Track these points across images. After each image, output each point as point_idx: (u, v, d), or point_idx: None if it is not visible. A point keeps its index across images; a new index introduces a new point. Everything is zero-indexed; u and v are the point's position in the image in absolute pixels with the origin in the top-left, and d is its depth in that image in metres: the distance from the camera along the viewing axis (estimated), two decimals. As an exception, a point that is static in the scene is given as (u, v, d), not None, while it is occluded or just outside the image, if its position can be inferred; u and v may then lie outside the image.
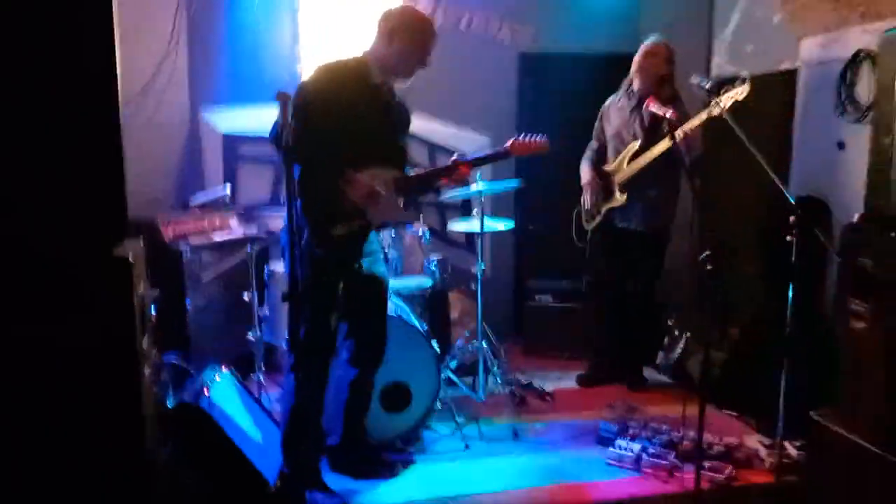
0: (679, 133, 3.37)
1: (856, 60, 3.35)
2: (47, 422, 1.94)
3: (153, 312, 3.23)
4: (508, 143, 3.10)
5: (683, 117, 3.59)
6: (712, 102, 3.19)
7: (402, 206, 2.90)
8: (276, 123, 2.57)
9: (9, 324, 1.87)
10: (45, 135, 1.90)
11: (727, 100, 3.21)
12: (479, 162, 3.07)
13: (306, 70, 4.69)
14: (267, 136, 2.59)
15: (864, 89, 3.30)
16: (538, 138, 3.11)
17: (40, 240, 1.91)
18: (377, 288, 2.96)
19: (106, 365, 1.98)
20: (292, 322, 2.63)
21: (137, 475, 2.03)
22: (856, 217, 2.72)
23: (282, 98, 2.16)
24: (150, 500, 2.08)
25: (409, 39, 2.75)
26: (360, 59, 2.79)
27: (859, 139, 3.28)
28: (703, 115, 3.37)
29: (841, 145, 3.52)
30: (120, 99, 2.07)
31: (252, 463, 2.69)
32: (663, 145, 3.59)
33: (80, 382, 1.94)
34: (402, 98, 2.96)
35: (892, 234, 2.41)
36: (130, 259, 2.01)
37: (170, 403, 3.05)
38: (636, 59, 3.83)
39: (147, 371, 2.22)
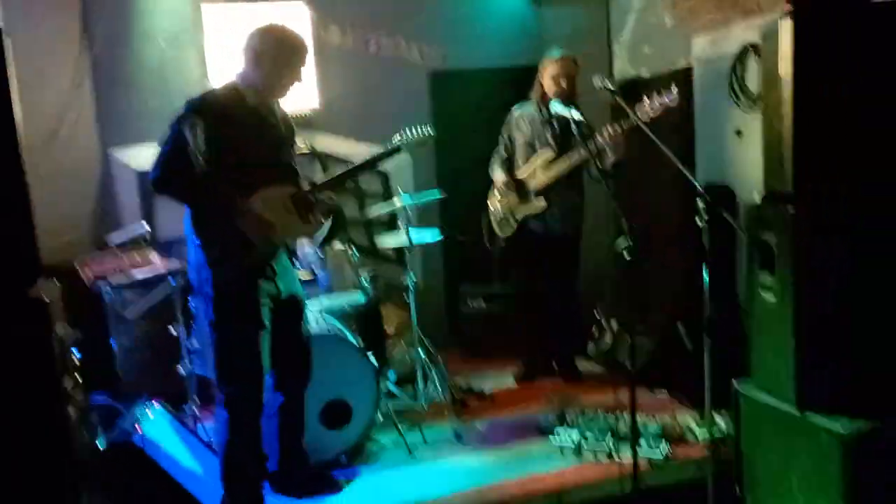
0: (606, 136, 3.51)
1: (743, 54, 3.58)
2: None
3: (76, 354, 3.14)
4: (397, 141, 3.16)
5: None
6: (641, 111, 3.37)
7: (301, 222, 2.83)
8: (156, 163, 2.59)
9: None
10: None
11: (659, 108, 3.39)
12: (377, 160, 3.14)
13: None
14: None
15: (753, 80, 3.52)
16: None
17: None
18: (297, 309, 2.95)
19: (29, 408, 1.92)
20: (219, 352, 2.67)
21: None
22: (756, 198, 2.90)
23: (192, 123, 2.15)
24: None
25: (276, 61, 2.71)
26: (232, 86, 2.74)
27: (754, 126, 3.50)
28: (632, 122, 3.46)
29: (739, 133, 3.74)
30: (22, 145, 2.04)
31: (194, 496, 2.64)
32: (580, 156, 3.74)
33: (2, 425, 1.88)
34: (283, 113, 2.92)
35: (790, 210, 2.58)
36: (46, 299, 1.97)
37: (101, 445, 2.94)
38: (548, 72, 3.93)
39: (73, 413, 2.16)
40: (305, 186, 2.88)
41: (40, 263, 2.05)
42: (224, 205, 2.58)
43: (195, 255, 2.68)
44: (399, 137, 3.06)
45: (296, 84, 2.81)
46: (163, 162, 2.58)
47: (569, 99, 3.84)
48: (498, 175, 4.15)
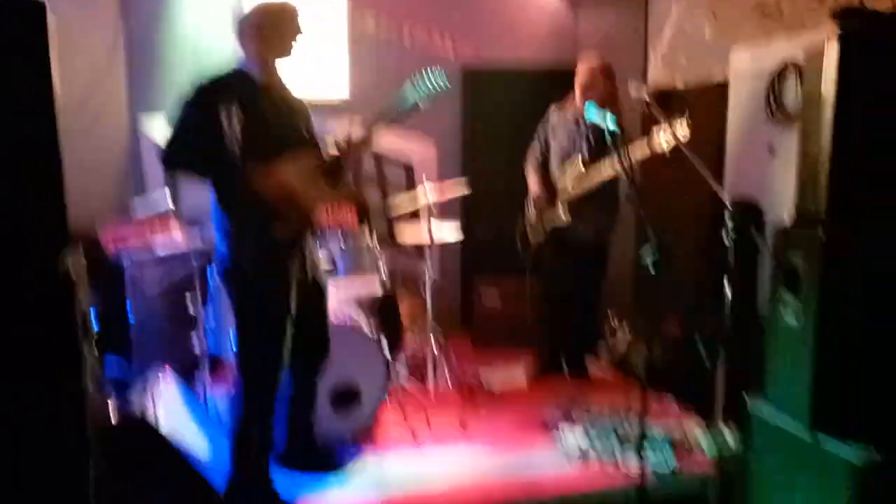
0: (628, 160, 3.47)
1: (783, 70, 3.53)
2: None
3: (94, 322, 3.17)
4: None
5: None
6: (654, 140, 3.41)
7: (330, 189, 2.82)
8: (170, 141, 2.57)
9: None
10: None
11: (670, 142, 3.37)
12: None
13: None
14: None
15: (792, 97, 3.47)
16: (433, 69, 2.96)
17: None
18: (320, 295, 2.94)
19: (51, 379, 1.94)
20: (243, 341, 2.66)
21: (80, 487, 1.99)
22: (787, 219, 2.87)
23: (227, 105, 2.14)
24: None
25: (262, 31, 2.65)
26: (237, 70, 2.71)
27: (788, 144, 3.45)
28: (647, 150, 3.51)
29: (771, 151, 3.69)
30: (58, 114, 2.05)
31: (199, 470, 2.65)
32: (610, 172, 3.70)
33: (24, 398, 1.89)
34: (294, 94, 2.88)
35: (820, 235, 2.54)
36: (72, 272, 1.98)
37: (112, 415, 2.97)
38: (578, 78, 3.91)
39: (91, 384, 2.18)
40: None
41: (67, 234, 2.06)
42: (248, 179, 2.53)
43: (221, 238, 2.66)
44: (412, 87, 2.88)
45: (298, 38, 2.73)
46: (175, 136, 2.55)
47: (603, 105, 3.80)
48: (532, 183, 4.13)
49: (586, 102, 3.69)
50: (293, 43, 2.72)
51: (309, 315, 2.85)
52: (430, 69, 2.92)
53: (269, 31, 2.66)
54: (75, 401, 1.98)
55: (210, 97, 2.55)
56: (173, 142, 2.57)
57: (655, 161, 3.63)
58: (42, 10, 1.95)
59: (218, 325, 3.71)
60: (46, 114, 1.97)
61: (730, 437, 3.15)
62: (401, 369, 4.01)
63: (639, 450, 2.66)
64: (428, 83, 2.89)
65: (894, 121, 2.48)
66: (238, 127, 2.44)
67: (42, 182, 1.95)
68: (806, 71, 2.72)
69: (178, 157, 2.60)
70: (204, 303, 3.67)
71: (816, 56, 2.60)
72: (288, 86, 2.83)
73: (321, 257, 3.45)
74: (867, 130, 2.49)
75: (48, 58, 1.95)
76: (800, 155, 2.75)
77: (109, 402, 3.06)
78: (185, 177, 2.81)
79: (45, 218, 1.95)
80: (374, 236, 3.97)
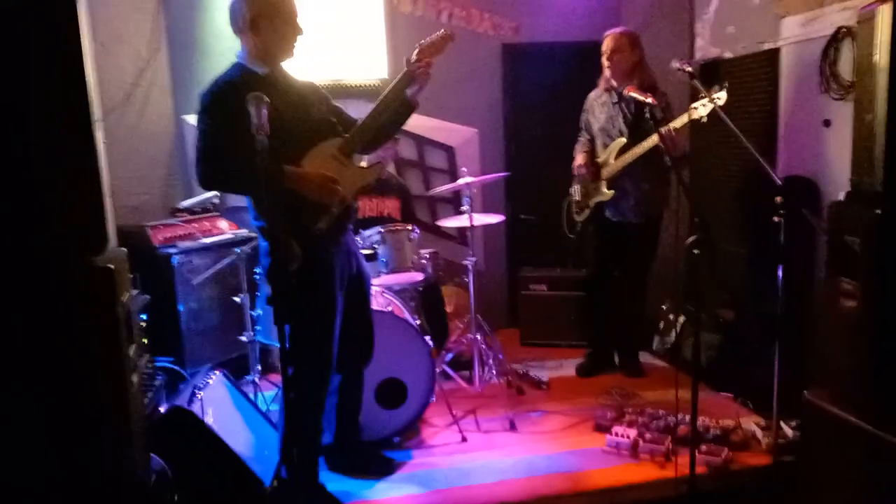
0: (664, 129, 3.37)
1: (836, 38, 3.32)
2: (36, 433, 1.94)
3: (143, 319, 3.24)
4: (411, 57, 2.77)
5: (664, 105, 3.66)
6: (692, 107, 3.31)
7: (362, 166, 2.74)
8: (199, 160, 2.48)
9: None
10: (20, 148, 1.89)
11: (707, 106, 3.29)
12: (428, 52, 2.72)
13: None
14: None
15: (847, 66, 3.28)
16: (437, 35, 2.76)
17: (21, 253, 1.91)
18: (363, 287, 2.91)
19: (92, 377, 1.98)
20: (295, 343, 2.56)
21: (126, 487, 2.03)
22: (842, 195, 2.72)
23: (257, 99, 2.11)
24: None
25: (273, 19, 2.54)
26: (236, 65, 2.62)
27: (844, 116, 3.27)
28: (685, 118, 3.43)
29: (827, 123, 3.50)
30: (94, 110, 2.06)
31: (246, 464, 2.69)
32: (649, 143, 3.61)
33: (66, 395, 1.94)
34: (302, 80, 2.77)
35: (878, 212, 2.40)
36: (112, 268, 2.00)
37: (163, 409, 3.04)
38: (603, 59, 3.86)
39: (135, 379, 2.22)
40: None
41: (107, 231, 2.09)
42: (280, 178, 2.45)
43: (262, 240, 2.63)
44: (416, 49, 2.72)
45: (299, 38, 2.63)
46: (204, 158, 2.49)
47: (632, 76, 3.75)
48: (576, 157, 4.05)
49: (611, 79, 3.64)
50: (297, 35, 2.63)
51: (354, 305, 2.83)
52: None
53: (278, 14, 2.56)
54: (118, 401, 2.02)
55: (223, 101, 2.47)
56: (204, 160, 2.50)
57: (708, 135, 3.51)
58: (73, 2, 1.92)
59: (264, 314, 3.76)
60: (80, 108, 1.96)
61: (788, 431, 3.04)
62: (446, 362, 3.98)
63: (691, 444, 2.58)
64: (431, 39, 2.75)
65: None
66: (259, 114, 2.16)
67: (77, 178, 1.95)
68: (859, 37, 2.57)
69: (213, 178, 2.55)
70: (251, 293, 3.71)
71: (869, 20, 2.46)
72: (291, 73, 2.74)
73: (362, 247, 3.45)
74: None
75: (79, 48, 1.94)
76: (854, 126, 2.61)
77: (160, 394, 3.14)
78: (226, 191, 2.78)
79: (82, 216, 1.96)
80: (416, 224, 3.95)
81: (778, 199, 2.79)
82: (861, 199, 2.54)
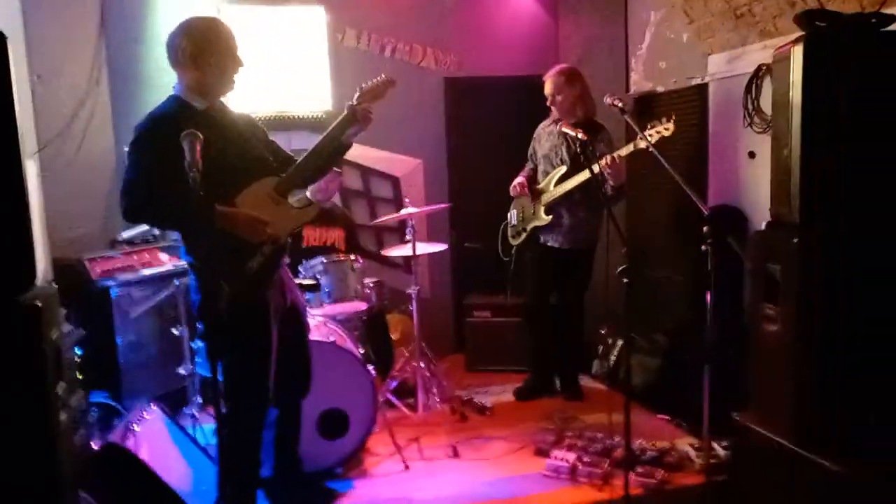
0: (598, 165, 3.51)
1: (758, 75, 3.52)
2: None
3: (78, 353, 3.18)
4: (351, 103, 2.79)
5: (606, 144, 3.85)
6: (638, 137, 3.41)
7: (298, 207, 2.68)
8: (125, 191, 2.45)
9: None
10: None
11: (655, 136, 3.45)
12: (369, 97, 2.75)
13: (232, 104, 4.68)
14: None
15: (768, 101, 3.45)
16: (379, 79, 2.81)
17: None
18: (298, 319, 2.89)
19: (15, 418, 1.93)
20: (229, 379, 2.50)
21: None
22: (763, 225, 2.85)
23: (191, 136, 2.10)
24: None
25: (212, 55, 2.52)
26: (174, 99, 2.59)
27: (767, 149, 3.43)
28: (631, 147, 3.59)
29: (752, 155, 3.68)
30: (25, 143, 2.04)
31: (182, 500, 2.65)
32: (583, 176, 3.74)
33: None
34: (240, 114, 2.78)
35: (795, 241, 2.53)
36: (39, 305, 1.97)
37: (96, 445, 2.97)
38: (547, 98, 4.02)
39: (64, 417, 2.17)
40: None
41: (34, 268, 2.05)
42: (211, 217, 2.38)
43: (193, 275, 2.61)
44: (358, 93, 2.74)
45: (240, 70, 2.61)
46: (130, 189, 2.46)
47: (574, 110, 3.91)
48: (518, 177, 4.17)
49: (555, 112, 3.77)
50: (238, 67, 2.61)
51: (289, 338, 2.80)
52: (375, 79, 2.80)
53: (221, 48, 2.54)
54: (42, 441, 1.97)
55: (157, 135, 2.43)
56: (129, 192, 2.46)
57: (644, 163, 3.65)
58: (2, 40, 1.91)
59: (203, 346, 3.72)
60: (7, 142, 1.93)
61: (721, 451, 3.13)
62: (390, 391, 3.99)
63: (626, 467, 2.65)
64: (371, 84, 2.78)
65: (862, 120, 2.47)
66: (193, 151, 2.09)
67: (2, 215, 1.92)
68: (775, 76, 2.71)
69: (137, 210, 2.51)
70: (190, 325, 3.67)
71: (784, 61, 2.59)
72: (229, 106, 2.72)
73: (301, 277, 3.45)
74: (836, 132, 2.49)
75: (8, 81, 1.92)
76: (772, 159, 2.74)
77: (93, 430, 3.07)
78: (150, 224, 2.76)
79: (6, 254, 1.92)
80: (360, 253, 3.98)
81: (705, 228, 2.91)
82: (781, 229, 2.67)
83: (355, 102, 2.74)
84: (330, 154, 2.78)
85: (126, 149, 2.59)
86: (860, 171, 2.48)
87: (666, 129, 3.46)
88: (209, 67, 2.54)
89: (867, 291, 2.47)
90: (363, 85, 2.77)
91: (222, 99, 2.70)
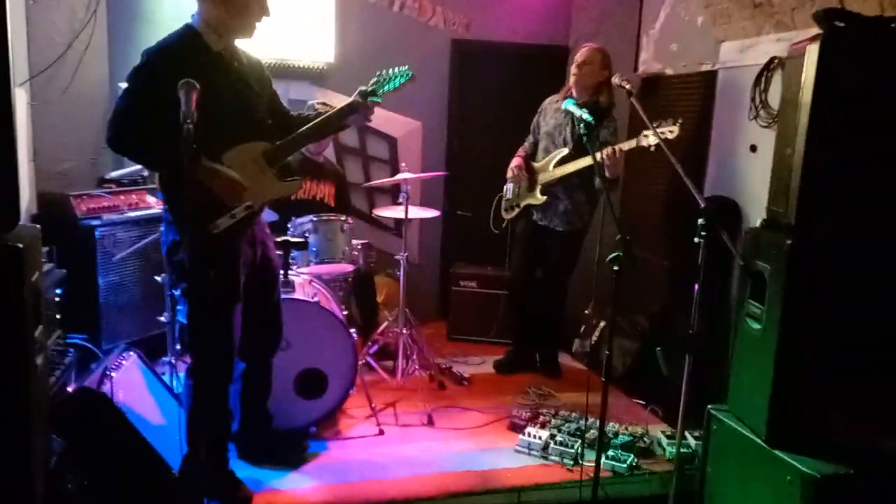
0: (601, 155, 3.46)
1: (769, 67, 3.46)
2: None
3: (57, 294, 3.14)
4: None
5: (610, 133, 3.80)
6: (642, 135, 3.39)
7: (278, 180, 2.65)
8: (114, 119, 2.39)
9: None
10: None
11: (658, 135, 3.34)
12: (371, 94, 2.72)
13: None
14: None
15: (777, 96, 3.41)
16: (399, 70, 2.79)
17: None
18: (270, 276, 2.86)
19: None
20: (192, 327, 2.51)
21: (21, 474, 1.98)
22: (758, 222, 2.83)
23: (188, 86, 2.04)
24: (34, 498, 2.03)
25: None
26: (189, 30, 2.49)
27: (769, 144, 3.39)
28: (633, 143, 3.53)
29: (753, 148, 3.64)
30: (14, 72, 1.97)
31: (155, 449, 2.65)
32: (585, 161, 3.70)
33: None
34: (252, 59, 2.69)
35: (789, 242, 2.51)
36: (21, 247, 1.93)
37: (71, 389, 2.96)
38: (572, 68, 3.92)
39: (40, 361, 2.15)
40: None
41: (18, 209, 2.01)
42: (196, 168, 2.33)
43: (166, 216, 2.59)
44: (374, 80, 2.72)
45: (263, 19, 2.54)
46: (122, 118, 2.39)
47: (597, 94, 3.84)
48: (514, 159, 4.11)
49: (567, 99, 3.67)
50: (262, 15, 2.54)
51: (257, 293, 2.77)
52: (395, 69, 2.76)
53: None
54: (17, 384, 1.95)
55: (163, 65, 2.36)
56: (119, 121, 2.39)
57: (641, 154, 3.60)
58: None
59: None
60: None
61: (692, 441, 3.16)
62: (371, 354, 3.99)
63: (598, 449, 2.67)
64: (390, 74, 2.74)
65: (870, 128, 2.44)
66: (189, 101, 2.05)
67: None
68: (787, 72, 2.66)
69: (122, 141, 2.43)
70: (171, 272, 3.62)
71: (798, 58, 2.54)
72: (243, 53, 2.64)
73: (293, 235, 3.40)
74: (842, 137, 2.45)
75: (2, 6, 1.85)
76: (774, 157, 2.71)
77: (68, 378, 3.05)
78: (132, 158, 2.73)
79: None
80: (352, 213, 3.94)
81: (700, 220, 2.89)
82: (775, 229, 2.65)
83: (368, 88, 2.69)
84: (325, 134, 2.75)
85: (122, 85, 2.52)
86: (862, 179, 2.45)
87: (671, 131, 3.38)
88: (232, 5, 2.46)
89: (853, 298, 2.47)
90: (381, 72, 2.72)
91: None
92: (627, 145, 3.56)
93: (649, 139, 3.43)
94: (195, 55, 2.42)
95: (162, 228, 2.68)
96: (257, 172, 2.57)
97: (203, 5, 2.50)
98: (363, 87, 2.70)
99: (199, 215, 2.36)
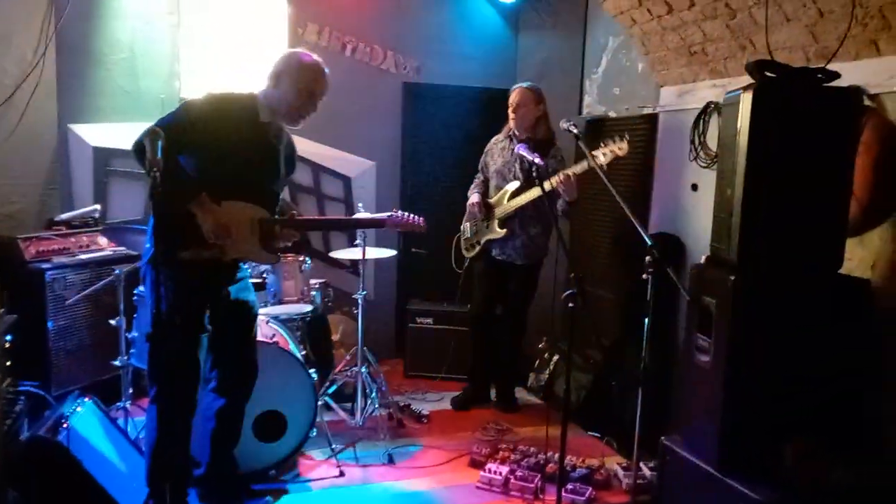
0: (549, 183, 3.61)
1: (706, 111, 3.66)
2: None
3: (8, 340, 3.06)
4: (386, 216, 3.20)
5: (557, 161, 3.94)
6: (591, 153, 3.48)
7: (260, 247, 2.82)
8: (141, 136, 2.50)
9: None
10: None
11: (609, 154, 3.53)
12: (356, 224, 3.17)
13: (186, 88, 4.59)
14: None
15: (714, 138, 3.61)
16: (417, 219, 3.21)
17: None
18: (245, 315, 2.93)
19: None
20: (154, 350, 2.50)
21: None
22: (703, 259, 2.98)
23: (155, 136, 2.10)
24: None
25: (292, 84, 2.75)
26: (250, 95, 2.80)
27: (710, 183, 3.57)
28: (584, 165, 3.66)
29: (694, 187, 3.83)
30: None
31: (113, 498, 2.60)
32: (536, 192, 3.83)
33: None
34: (291, 143, 2.99)
35: (731, 279, 2.65)
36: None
37: (24, 438, 2.88)
38: (509, 111, 4.09)
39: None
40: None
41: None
42: (190, 195, 2.57)
43: (149, 236, 2.67)
44: (389, 214, 3.19)
45: (311, 115, 2.83)
46: (157, 127, 2.44)
47: (534, 129, 4.00)
48: (471, 197, 4.23)
49: (518, 144, 3.82)
50: (310, 111, 2.82)
51: (233, 332, 2.87)
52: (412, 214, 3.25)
53: (303, 88, 2.75)
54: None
55: (209, 108, 2.64)
56: (152, 129, 2.41)
57: (594, 184, 3.74)
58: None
59: (141, 338, 3.63)
60: None
61: (648, 472, 3.25)
62: (329, 394, 3.99)
63: (558, 483, 2.73)
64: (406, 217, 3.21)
65: (801, 172, 2.60)
66: (154, 150, 2.14)
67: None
68: (723, 117, 2.83)
69: (141, 146, 2.49)
70: (128, 315, 3.57)
71: (733, 104, 2.71)
72: (287, 135, 2.93)
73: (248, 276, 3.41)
74: (776, 180, 2.61)
75: None
76: (716, 197, 2.86)
77: (20, 427, 2.96)
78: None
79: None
80: (309, 253, 3.96)
81: (647, 257, 3.02)
82: (719, 265, 2.79)
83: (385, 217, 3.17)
84: (322, 229, 3.03)
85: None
86: (795, 219, 2.61)
87: (620, 148, 3.55)
88: (283, 93, 2.75)
89: (794, 332, 2.61)
90: (397, 215, 3.17)
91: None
92: (581, 167, 3.69)
93: (599, 158, 3.55)
94: (244, 113, 2.73)
95: (145, 252, 2.75)
96: (246, 232, 2.74)
97: (267, 82, 2.80)
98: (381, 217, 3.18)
99: (175, 238, 2.55)
